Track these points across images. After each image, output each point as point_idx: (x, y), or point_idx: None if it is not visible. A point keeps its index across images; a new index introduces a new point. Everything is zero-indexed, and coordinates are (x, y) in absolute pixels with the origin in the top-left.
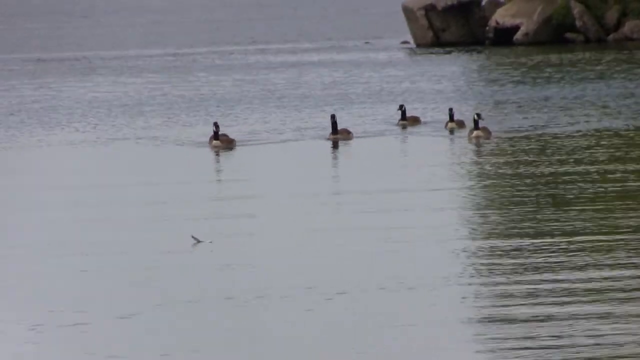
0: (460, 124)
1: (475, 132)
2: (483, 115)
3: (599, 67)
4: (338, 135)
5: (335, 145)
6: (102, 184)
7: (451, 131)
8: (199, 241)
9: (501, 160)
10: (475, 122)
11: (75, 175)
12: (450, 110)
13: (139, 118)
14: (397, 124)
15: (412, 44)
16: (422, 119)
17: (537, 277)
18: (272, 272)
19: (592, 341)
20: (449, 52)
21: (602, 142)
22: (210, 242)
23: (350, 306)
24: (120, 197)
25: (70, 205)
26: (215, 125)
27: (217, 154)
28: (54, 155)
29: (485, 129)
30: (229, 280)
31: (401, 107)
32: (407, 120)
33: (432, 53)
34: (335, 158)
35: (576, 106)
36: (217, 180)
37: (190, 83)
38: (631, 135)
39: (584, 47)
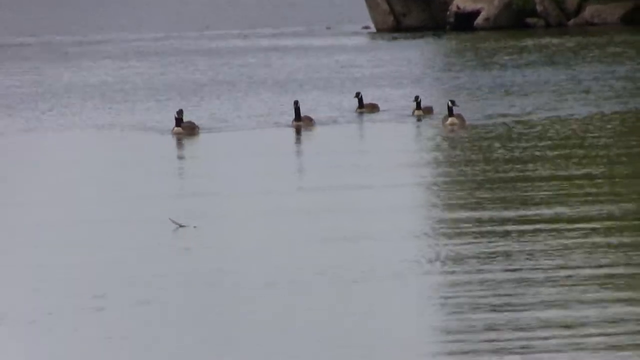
0: (428, 111)
1: (450, 119)
2: (457, 102)
3: (560, 52)
4: (301, 122)
5: (298, 132)
6: (57, 178)
7: (418, 118)
8: (180, 225)
9: (470, 146)
10: (450, 109)
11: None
12: (417, 97)
13: (98, 104)
14: (355, 112)
15: (373, 29)
16: (380, 106)
17: (502, 265)
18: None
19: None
20: (410, 37)
21: (571, 127)
22: (195, 227)
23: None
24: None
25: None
26: (179, 112)
27: (180, 141)
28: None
29: (459, 116)
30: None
31: (358, 94)
32: (365, 107)
33: (393, 38)
34: (298, 146)
35: (540, 91)
36: (178, 168)
37: (149, 69)
38: (597, 119)
39: (544, 32)
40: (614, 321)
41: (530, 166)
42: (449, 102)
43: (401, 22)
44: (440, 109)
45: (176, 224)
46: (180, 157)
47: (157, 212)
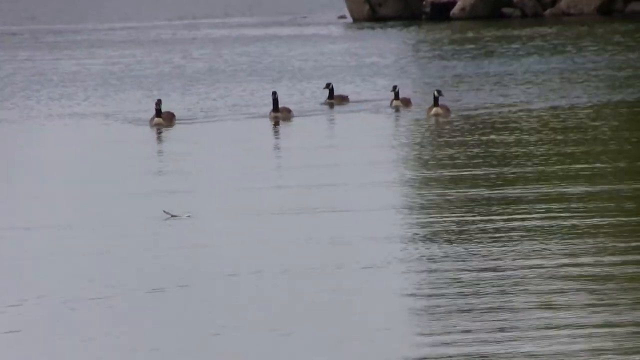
0: (406, 102)
1: (434, 110)
2: (443, 92)
3: (537, 42)
4: (279, 113)
5: (276, 124)
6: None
7: (396, 109)
8: (172, 216)
9: (450, 138)
10: (435, 99)
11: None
12: (395, 87)
13: (78, 94)
14: (324, 103)
15: (349, 19)
16: (357, 97)
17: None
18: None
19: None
20: (386, 27)
21: (551, 119)
22: (189, 215)
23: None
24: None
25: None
26: (158, 102)
27: (159, 132)
28: None
29: (444, 107)
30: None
31: (328, 85)
32: (335, 99)
33: (368, 28)
34: (276, 138)
35: (519, 81)
36: (158, 159)
37: (121, 59)
38: (576, 111)
39: (521, 22)
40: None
41: (513, 161)
42: (435, 92)
43: (377, 12)
44: (418, 100)
45: (169, 214)
46: (160, 151)
47: (128, 209)
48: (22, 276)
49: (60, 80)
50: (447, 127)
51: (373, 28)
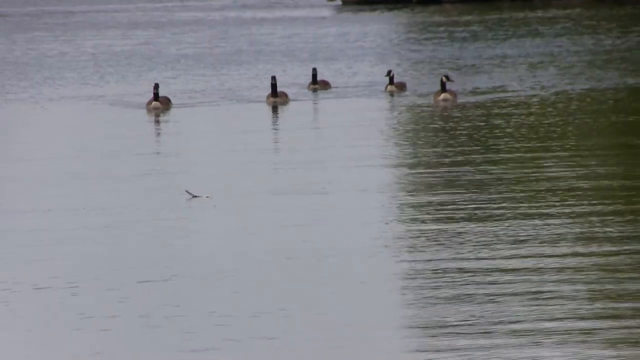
0: (401, 87)
1: (442, 95)
2: (452, 77)
3: (528, 25)
4: (277, 98)
5: (274, 109)
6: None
7: (391, 94)
8: (193, 196)
9: (454, 125)
10: (443, 84)
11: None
12: (390, 72)
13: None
14: (308, 88)
15: (339, 1)
16: (348, 81)
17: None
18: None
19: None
20: (376, 10)
21: (556, 103)
22: (208, 196)
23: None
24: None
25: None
26: (156, 86)
27: (157, 116)
28: None
29: (452, 92)
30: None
31: (314, 70)
32: (318, 84)
33: (359, 10)
34: (276, 123)
35: (512, 64)
36: (156, 142)
37: (107, 40)
38: (571, 95)
39: (510, 5)
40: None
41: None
42: (443, 77)
43: None
44: (411, 84)
45: (190, 194)
46: (160, 134)
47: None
48: (37, 259)
49: (54, 62)
50: (454, 112)
51: (363, 10)
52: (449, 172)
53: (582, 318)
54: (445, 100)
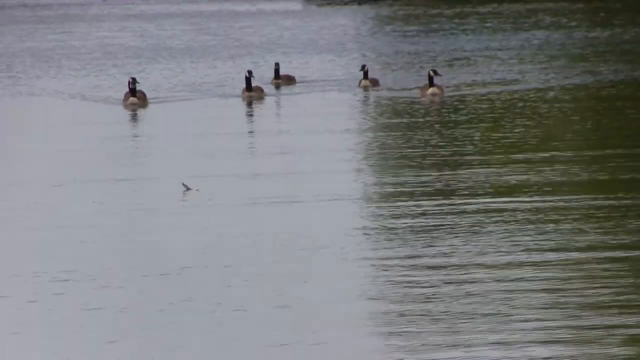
0: (374, 82)
1: (430, 90)
2: (440, 71)
3: (497, 18)
4: (253, 92)
5: (249, 103)
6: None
7: (365, 89)
8: (188, 188)
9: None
10: (431, 79)
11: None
12: (364, 66)
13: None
14: (271, 83)
15: None
16: (320, 76)
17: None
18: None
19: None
20: (346, 3)
21: (533, 96)
22: (197, 190)
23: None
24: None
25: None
26: (133, 81)
27: (134, 112)
28: None
29: (439, 86)
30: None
31: (276, 65)
32: (281, 79)
33: (327, 4)
34: (252, 119)
35: (483, 59)
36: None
37: (84, 34)
38: (544, 91)
39: None
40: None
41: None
42: (431, 72)
43: None
44: (382, 79)
45: (186, 187)
46: (136, 135)
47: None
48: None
49: (29, 57)
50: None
51: (331, 4)
52: (443, 174)
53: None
54: (433, 94)
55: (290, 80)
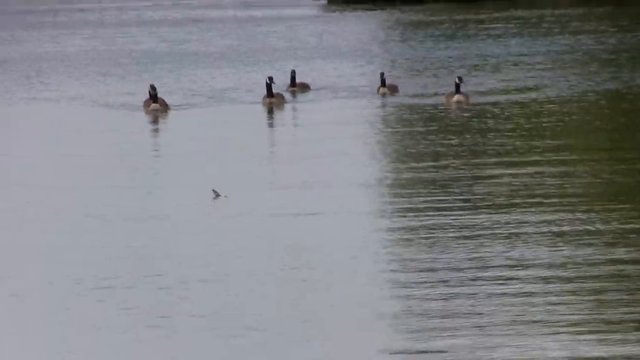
0: (393, 89)
1: (456, 97)
2: (464, 78)
3: (511, 25)
4: (273, 99)
5: (270, 110)
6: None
7: (383, 96)
8: (217, 195)
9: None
10: (457, 86)
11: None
12: (382, 74)
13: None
14: (287, 90)
15: (324, 1)
16: (338, 82)
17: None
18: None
19: None
20: (361, 9)
21: (541, 105)
22: (226, 196)
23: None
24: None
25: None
26: (153, 87)
27: (155, 118)
28: None
29: (465, 94)
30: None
31: (292, 72)
32: (297, 87)
33: (344, 10)
34: (273, 125)
35: (501, 66)
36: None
37: (96, 39)
38: (565, 98)
39: (494, 5)
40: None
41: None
42: (457, 79)
43: None
44: (400, 85)
45: (216, 193)
46: (159, 136)
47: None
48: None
49: (46, 62)
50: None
51: (348, 10)
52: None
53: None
54: (458, 102)
55: (305, 87)
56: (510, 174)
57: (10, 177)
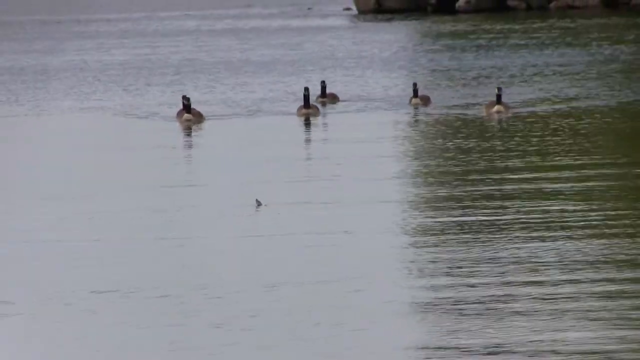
0: (425, 100)
1: (496, 107)
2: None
3: (545, 35)
4: (310, 110)
5: (306, 121)
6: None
7: (416, 107)
8: (260, 204)
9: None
10: (498, 97)
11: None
12: (415, 85)
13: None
14: (317, 101)
15: (354, 10)
16: (369, 94)
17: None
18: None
19: None
20: (391, 20)
21: (584, 116)
22: (266, 205)
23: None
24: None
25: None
26: (185, 98)
27: (189, 129)
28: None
29: (506, 104)
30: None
31: (322, 82)
32: (327, 97)
33: (374, 20)
34: (310, 137)
35: (545, 74)
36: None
37: (124, 50)
38: (594, 109)
39: (525, 15)
40: None
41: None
42: (497, 89)
43: (382, 4)
44: (432, 96)
45: (259, 203)
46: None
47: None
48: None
49: (72, 73)
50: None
51: (378, 20)
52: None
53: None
54: (498, 112)
55: (334, 98)
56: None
57: (34, 188)
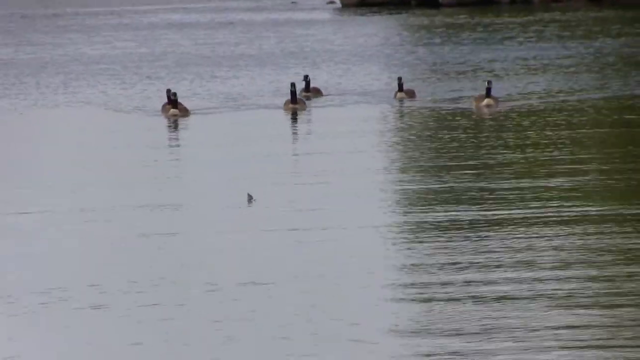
0: (410, 94)
1: (486, 100)
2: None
3: (532, 28)
4: (297, 104)
5: (293, 115)
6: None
7: (401, 101)
8: (251, 199)
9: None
10: (488, 90)
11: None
12: (400, 79)
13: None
14: (300, 95)
15: (338, 4)
16: (354, 87)
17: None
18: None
19: None
20: (375, 13)
21: (573, 109)
22: (255, 200)
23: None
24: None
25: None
26: (173, 93)
27: (175, 123)
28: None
29: (495, 98)
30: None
31: (306, 77)
32: (310, 92)
33: (358, 14)
34: (297, 132)
35: (509, 70)
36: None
37: (102, 45)
38: (575, 103)
39: (510, 8)
40: None
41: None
42: (487, 83)
43: None
44: (417, 89)
45: (250, 197)
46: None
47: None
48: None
49: (61, 67)
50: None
51: (362, 14)
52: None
53: None
54: (488, 106)
55: (318, 92)
56: (542, 187)
57: (39, 180)
